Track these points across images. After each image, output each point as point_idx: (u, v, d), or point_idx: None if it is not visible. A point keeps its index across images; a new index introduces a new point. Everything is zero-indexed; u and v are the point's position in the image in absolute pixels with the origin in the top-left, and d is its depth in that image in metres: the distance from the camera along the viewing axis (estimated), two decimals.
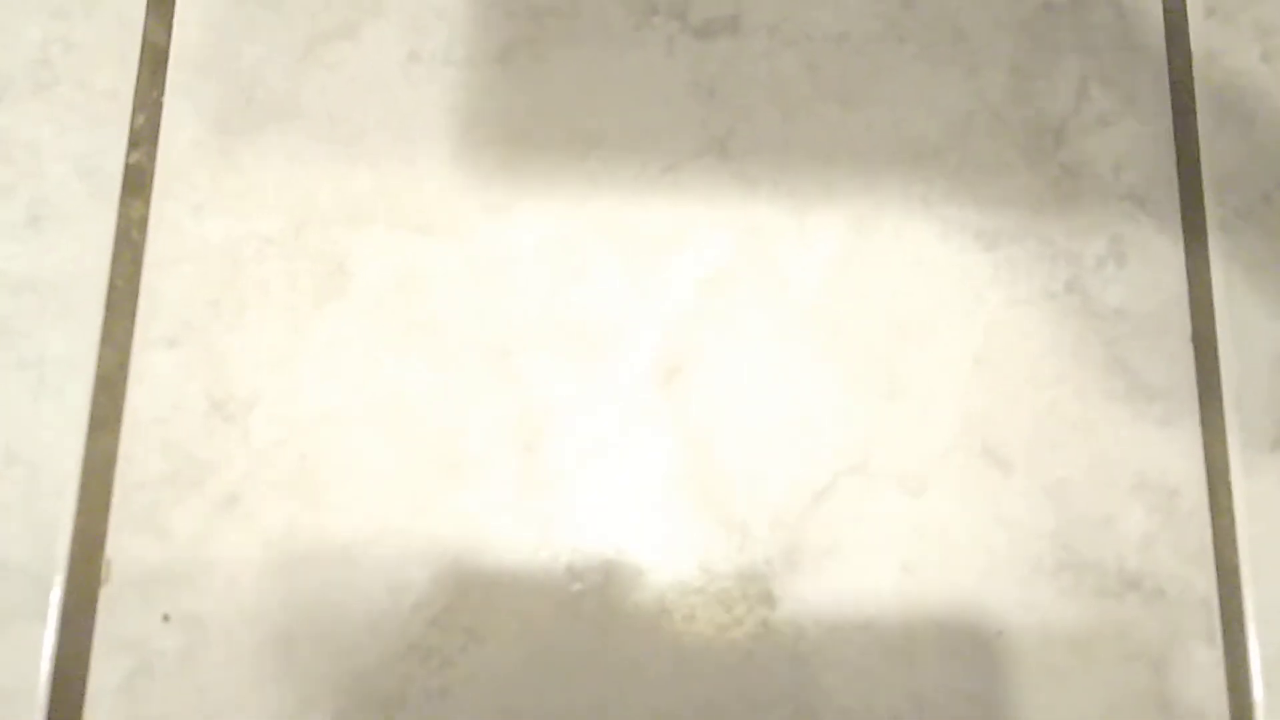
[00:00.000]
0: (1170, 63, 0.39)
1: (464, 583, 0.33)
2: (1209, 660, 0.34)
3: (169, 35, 0.37)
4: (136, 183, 0.36)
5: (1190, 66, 0.39)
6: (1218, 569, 0.35)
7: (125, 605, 0.33)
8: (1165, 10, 0.39)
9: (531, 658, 0.33)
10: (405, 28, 0.37)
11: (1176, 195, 0.37)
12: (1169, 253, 0.37)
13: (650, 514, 0.34)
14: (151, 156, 0.36)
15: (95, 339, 0.35)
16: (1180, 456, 0.35)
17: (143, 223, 0.36)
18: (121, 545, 0.33)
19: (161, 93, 0.37)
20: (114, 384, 0.34)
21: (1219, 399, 0.36)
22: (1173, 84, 0.39)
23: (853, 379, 0.35)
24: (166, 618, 0.33)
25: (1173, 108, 0.38)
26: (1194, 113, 0.38)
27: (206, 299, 0.35)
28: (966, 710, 0.33)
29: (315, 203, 0.36)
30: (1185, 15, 0.39)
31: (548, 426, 0.34)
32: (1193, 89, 0.39)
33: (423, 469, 0.34)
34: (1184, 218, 0.37)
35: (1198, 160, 0.38)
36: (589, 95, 0.37)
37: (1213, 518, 0.35)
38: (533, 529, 0.34)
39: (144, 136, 0.36)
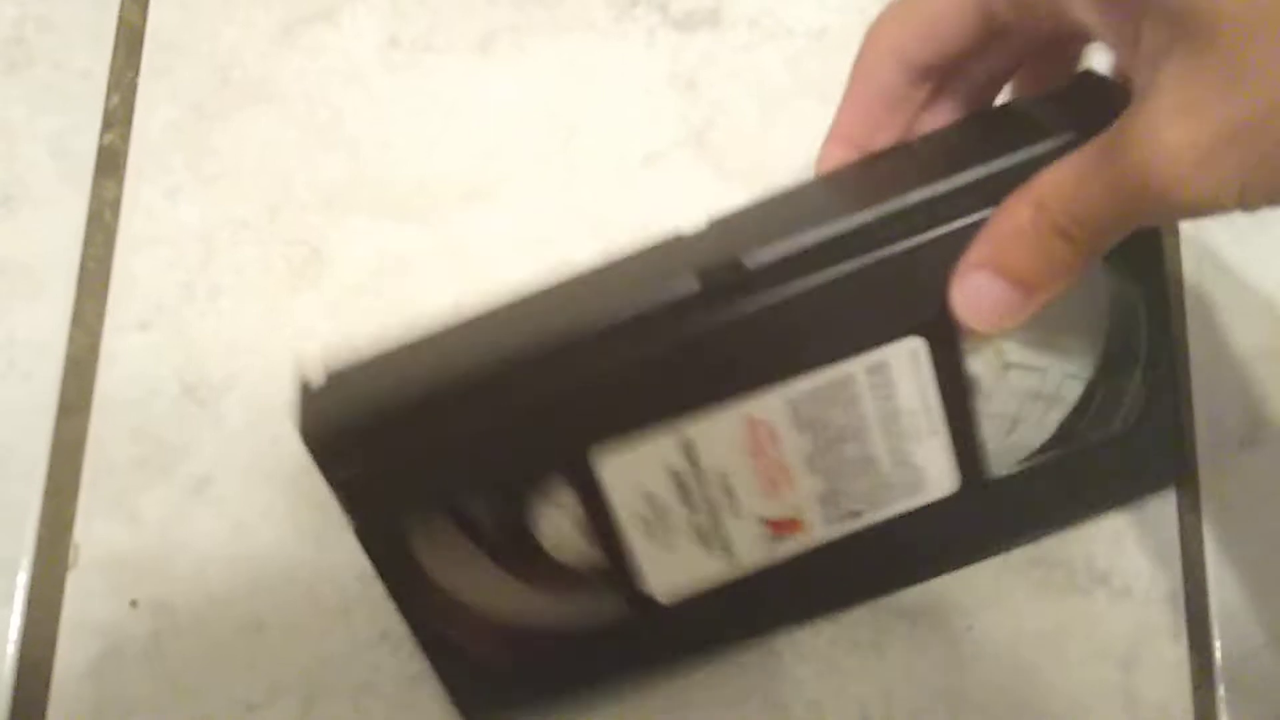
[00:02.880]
0: None
1: None
2: (1174, 657, 0.34)
3: (145, 16, 0.37)
4: (110, 164, 0.36)
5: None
6: (1184, 567, 0.35)
7: (93, 590, 0.33)
8: None
9: None
10: (385, 13, 0.37)
11: None
12: None
13: None
14: (125, 138, 0.36)
15: (66, 321, 0.34)
16: None
17: (116, 204, 0.35)
18: (90, 529, 0.33)
19: (136, 74, 0.36)
20: (84, 366, 0.34)
21: (1189, 399, 0.36)
22: None
23: None
24: (135, 603, 0.33)
25: None
26: None
27: (179, 282, 0.35)
28: (935, 704, 0.33)
29: (291, 187, 0.36)
30: None
31: None
32: None
33: None
34: None
35: None
36: (569, 85, 0.37)
37: (1180, 516, 0.35)
38: None
39: (118, 117, 0.36)
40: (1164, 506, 0.35)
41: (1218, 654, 0.34)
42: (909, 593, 0.34)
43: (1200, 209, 0.23)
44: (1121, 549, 0.35)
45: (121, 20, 0.37)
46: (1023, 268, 0.25)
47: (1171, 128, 0.22)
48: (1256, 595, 0.35)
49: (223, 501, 0.33)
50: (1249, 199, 0.22)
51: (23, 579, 0.33)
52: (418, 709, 0.32)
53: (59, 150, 0.36)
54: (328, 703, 0.32)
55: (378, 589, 0.33)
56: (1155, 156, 0.22)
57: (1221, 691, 0.34)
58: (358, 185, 0.36)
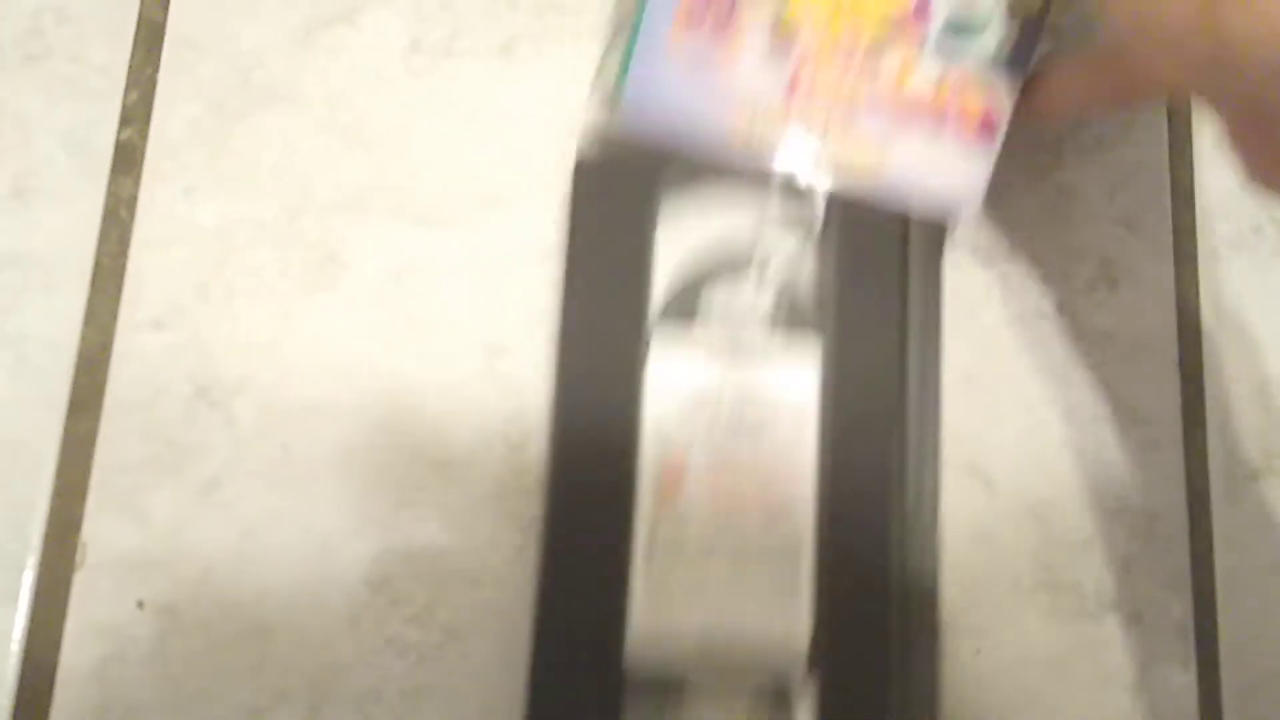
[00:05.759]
0: None
1: (445, 580, 0.33)
2: (1183, 685, 0.34)
3: (166, 11, 0.36)
4: (127, 160, 0.35)
5: (1188, 95, 0.39)
6: (1194, 595, 0.35)
7: (99, 590, 0.32)
8: None
9: (510, 657, 0.33)
10: (408, 16, 0.37)
11: (1169, 222, 0.38)
12: (1159, 278, 0.37)
13: None
14: (143, 134, 0.36)
15: (78, 318, 0.34)
16: (1162, 481, 0.35)
17: (132, 202, 0.35)
18: (98, 529, 0.33)
19: (156, 70, 0.36)
20: (96, 365, 0.34)
21: (1203, 426, 0.36)
22: (1169, 112, 0.39)
23: None
24: (141, 604, 0.32)
25: (1169, 135, 0.39)
26: (1189, 141, 0.39)
27: (195, 282, 0.34)
28: None
29: (311, 189, 0.35)
30: None
31: (537, 425, 0.34)
32: (1189, 117, 0.39)
33: (409, 464, 0.33)
34: (1175, 245, 0.37)
35: (1191, 188, 0.38)
36: (590, 91, 0.37)
37: (1191, 544, 0.35)
38: (517, 528, 0.33)
39: (136, 113, 0.36)
40: (1176, 534, 0.35)
41: (1226, 683, 0.34)
42: None
43: None
44: (1132, 575, 0.35)
45: (142, 15, 0.36)
46: None
47: None
48: (1266, 625, 0.35)
49: (232, 504, 0.33)
50: None
51: (29, 577, 0.32)
52: (422, 718, 0.32)
53: (75, 145, 0.35)
54: (333, 710, 0.32)
55: (385, 597, 0.33)
56: None
57: None
58: (377, 189, 0.35)
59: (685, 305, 0.33)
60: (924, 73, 0.32)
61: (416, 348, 0.34)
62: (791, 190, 0.34)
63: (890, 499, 0.31)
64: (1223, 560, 0.35)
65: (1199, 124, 0.39)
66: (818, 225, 0.34)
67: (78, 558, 0.32)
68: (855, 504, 0.31)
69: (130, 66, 0.36)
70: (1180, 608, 0.35)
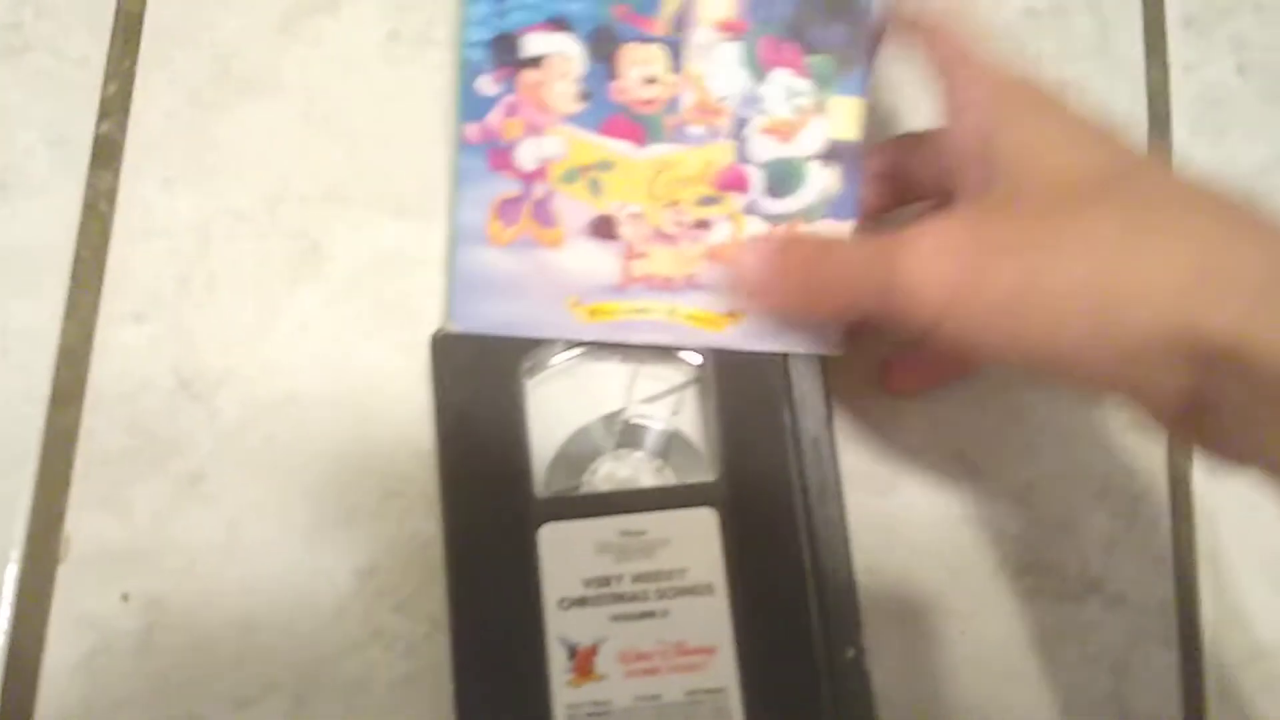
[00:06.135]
0: (1148, 72, 0.39)
1: (431, 570, 0.33)
2: (1165, 664, 0.34)
3: (144, 3, 0.36)
4: (106, 153, 0.35)
5: (1167, 77, 0.39)
6: (1176, 575, 0.35)
7: (84, 583, 0.32)
8: (1145, 20, 0.40)
9: None
10: (386, 5, 0.37)
11: None
12: None
13: None
14: (122, 127, 0.35)
15: (59, 311, 0.34)
16: (1145, 463, 0.36)
17: (111, 194, 0.35)
18: (81, 522, 0.33)
19: (134, 62, 0.36)
20: (78, 358, 0.34)
21: None
22: (1150, 93, 0.39)
23: None
24: (126, 597, 0.32)
25: (1149, 116, 0.39)
26: (1169, 122, 0.39)
27: (175, 274, 0.34)
28: (927, 708, 0.33)
29: (290, 180, 0.35)
30: (1164, 26, 0.40)
31: None
32: (1169, 99, 0.39)
33: (392, 454, 0.33)
34: None
35: (1170, 168, 0.38)
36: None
37: (1173, 525, 0.35)
38: None
39: (115, 106, 0.36)
40: (1158, 515, 0.35)
41: (1207, 662, 0.35)
42: (902, 597, 0.34)
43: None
44: (1115, 556, 0.35)
45: (120, 7, 0.36)
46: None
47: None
48: (1247, 604, 0.35)
49: (216, 497, 0.33)
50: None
51: (12, 571, 0.32)
52: (409, 708, 0.32)
53: (54, 138, 0.35)
54: (319, 700, 0.32)
55: (371, 587, 0.33)
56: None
57: (1211, 699, 0.34)
58: (357, 179, 0.35)
59: (568, 479, 0.33)
60: (755, 232, 0.32)
61: (398, 338, 0.34)
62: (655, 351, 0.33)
63: (812, 633, 0.31)
64: (1204, 541, 0.35)
65: (1179, 105, 0.39)
66: (691, 377, 0.34)
67: (61, 551, 0.32)
68: (774, 630, 0.31)
69: (109, 59, 0.36)
70: (1162, 588, 0.35)
